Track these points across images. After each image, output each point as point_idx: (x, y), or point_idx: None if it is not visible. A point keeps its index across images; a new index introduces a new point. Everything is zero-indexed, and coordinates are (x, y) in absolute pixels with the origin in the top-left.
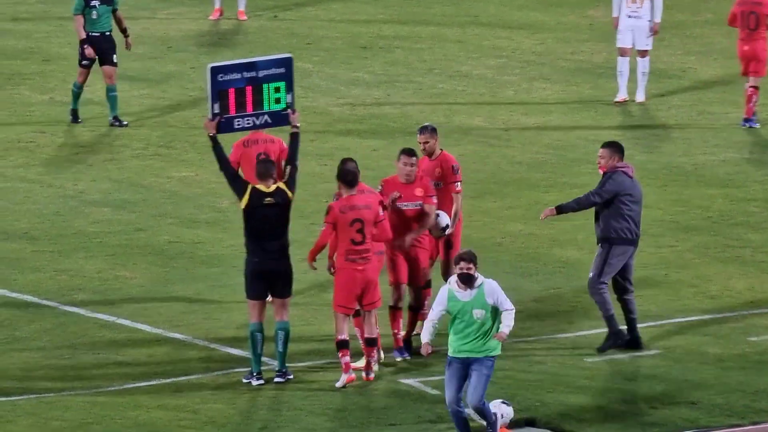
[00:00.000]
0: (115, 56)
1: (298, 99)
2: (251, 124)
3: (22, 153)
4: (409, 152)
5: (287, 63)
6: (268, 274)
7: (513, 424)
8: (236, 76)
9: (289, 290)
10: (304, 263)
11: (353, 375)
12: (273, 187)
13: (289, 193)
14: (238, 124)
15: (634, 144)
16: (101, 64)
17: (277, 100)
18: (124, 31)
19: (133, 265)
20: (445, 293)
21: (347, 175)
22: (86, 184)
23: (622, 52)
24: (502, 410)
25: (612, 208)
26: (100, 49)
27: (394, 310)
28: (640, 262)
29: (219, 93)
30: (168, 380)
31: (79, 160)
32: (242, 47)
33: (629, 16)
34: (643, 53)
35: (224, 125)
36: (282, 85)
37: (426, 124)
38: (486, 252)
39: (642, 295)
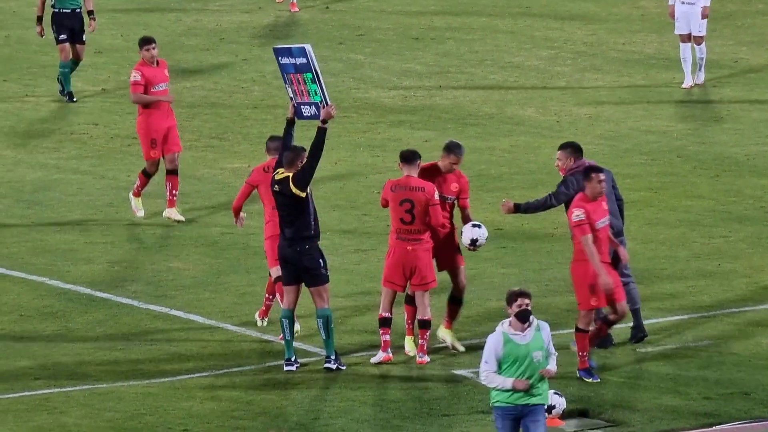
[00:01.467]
0: (84, 35)
1: (349, 90)
2: (309, 114)
3: (75, 145)
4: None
5: (303, 53)
6: (290, 262)
7: (565, 414)
8: (287, 60)
9: (316, 279)
10: (354, 254)
11: (391, 355)
12: (282, 176)
13: (293, 187)
14: (306, 113)
15: (686, 135)
16: (72, 41)
17: (315, 92)
18: (90, 12)
19: (186, 256)
20: (499, 339)
21: (405, 152)
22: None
23: (682, 39)
24: (554, 401)
25: None
26: (72, 26)
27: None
28: (692, 253)
29: (286, 77)
30: (221, 372)
31: (132, 152)
32: (294, 39)
33: (683, 3)
34: (698, 39)
35: (298, 111)
36: (309, 76)
37: (460, 143)
38: (539, 242)
39: (694, 285)
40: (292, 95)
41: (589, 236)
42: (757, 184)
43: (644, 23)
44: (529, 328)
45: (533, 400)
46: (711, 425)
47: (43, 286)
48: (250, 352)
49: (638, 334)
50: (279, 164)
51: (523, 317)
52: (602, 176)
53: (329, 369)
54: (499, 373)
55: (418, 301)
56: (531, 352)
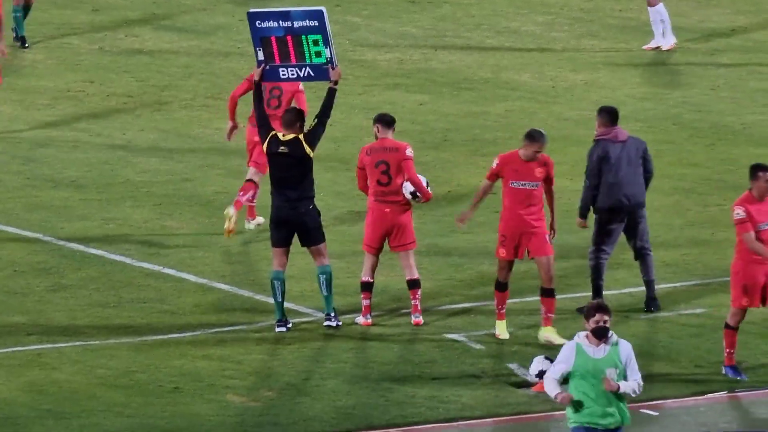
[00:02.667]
0: None
1: (345, 53)
2: (295, 75)
3: (71, 102)
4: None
5: (319, 16)
6: (290, 223)
7: None
8: (273, 24)
9: (317, 238)
10: (347, 215)
11: (370, 321)
12: (290, 137)
13: (307, 148)
14: (284, 74)
15: (682, 102)
16: None
17: (318, 54)
18: None
19: (180, 215)
20: (573, 349)
21: (387, 116)
22: (134, 134)
23: (649, 3)
24: (545, 366)
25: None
26: None
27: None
28: (686, 221)
29: (261, 40)
30: (212, 331)
31: (127, 110)
32: (289, 1)
33: None
34: (651, 1)
35: (270, 74)
36: (319, 38)
37: (542, 131)
38: None
39: (688, 253)
40: (263, 58)
41: (752, 233)
42: (753, 153)
43: None
44: (605, 344)
45: (605, 422)
46: (702, 393)
47: (37, 242)
48: (242, 312)
49: (652, 307)
50: (266, 127)
51: (599, 334)
52: None
53: (330, 326)
54: (567, 385)
55: (404, 263)
56: (603, 368)
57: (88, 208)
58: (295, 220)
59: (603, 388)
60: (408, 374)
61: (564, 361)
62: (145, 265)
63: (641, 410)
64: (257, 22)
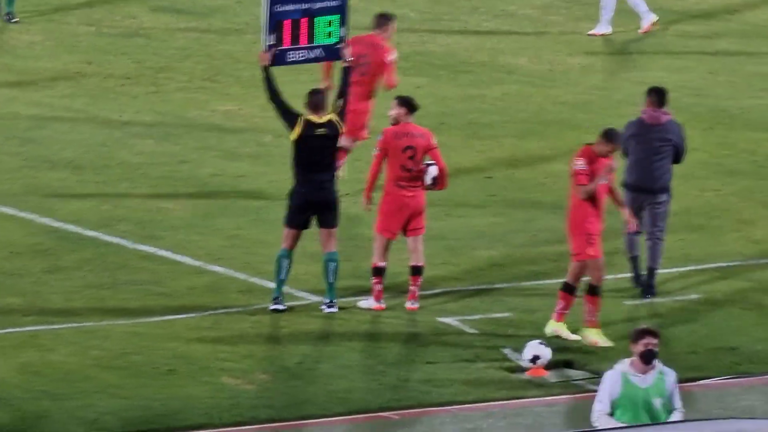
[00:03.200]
0: None
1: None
2: (304, 57)
3: (68, 83)
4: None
5: None
6: (316, 205)
7: (551, 365)
8: (292, 7)
9: (336, 220)
10: (342, 197)
11: (383, 305)
12: (325, 119)
13: (341, 126)
14: (291, 57)
15: (679, 86)
16: None
17: (330, 34)
18: None
19: (176, 197)
20: (617, 379)
21: (412, 101)
22: (131, 116)
23: None
24: (540, 351)
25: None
26: None
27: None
28: (682, 206)
29: (276, 24)
30: (207, 313)
31: (124, 92)
32: None
33: None
34: None
35: (278, 58)
36: (336, 18)
37: (619, 132)
38: (528, 192)
39: (684, 239)
40: (274, 42)
41: None
42: (751, 137)
43: None
44: (651, 371)
45: None
46: (696, 380)
47: (33, 223)
48: (237, 294)
49: (648, 294)
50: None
51: (648, 358)
52: None
53: (332, 313)
54: (613, 417)
55: (413, 246)
56: (651, 398)
57: (85, 190)
58: (325, 202)
59: (647, 419)
60: (402, 358)
61: (609, 393)
62: (141, 247)
63: None
64: (276, 6)
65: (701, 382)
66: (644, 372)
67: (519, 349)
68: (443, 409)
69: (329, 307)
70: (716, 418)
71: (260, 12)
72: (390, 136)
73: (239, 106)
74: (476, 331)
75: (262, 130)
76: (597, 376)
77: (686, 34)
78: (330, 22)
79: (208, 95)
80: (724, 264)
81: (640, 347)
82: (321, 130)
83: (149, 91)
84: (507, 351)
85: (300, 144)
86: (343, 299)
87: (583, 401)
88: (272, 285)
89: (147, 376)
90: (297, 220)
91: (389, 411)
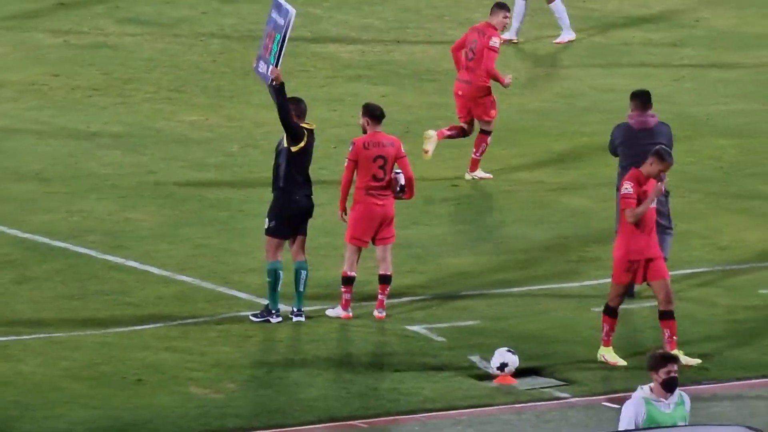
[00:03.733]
0: None
1: (307, 44)
2: (261, 72)
3: (36, 95)
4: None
5: (288, 15)
6: (304, 213)
7: (518, 373)
8: (275, 16)
9: (306, 227)
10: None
11: (350, 314)
12: (312, 126)
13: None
14: (261, 69)
15: None
16: None
17: (273, 53)
18: None
19: (144, 207)
20: (641, 405)
21: (378, 110)
22: (98, 127)
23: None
24: (507, 359)
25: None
26: None
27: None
28: None
29: (266, 29)
30: (175, 323)
31: (92, 103)
32: None
33: None
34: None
35: (257, 64)
36: (277, 37)
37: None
38: (495, 200)
39: None
40: (260, 49)
41: None
42: (716, 144)
43: None
44: (672, 397)
45: None
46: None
47: (1, 234)
48: (205, 304)
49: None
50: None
51: (671, 386)
52: None
53: (300, 322)
54: None
55: (383, 255)
56: (676, 422)
57: (53, 201)
58: (308, 210)
59: None
60: (370, 367)
61: (634, 421)
62: (109, 257)
63: (603, 403)
64: (272, 11)
65: (686, 387)
66: (666, 398)
67: (487, 357)
68: (412, 417)
69: (297, 316)
70: (686, 425)
71: (224, 22)
72: (360, 146)
73: (206, 116)
74: (444, 339)
75: (228, 139)
76: (566, 383)
77: (651, 42)
78: (278, 42)
79: (174, 106)
80: (692, 270)
81: (662, 375)
82: (312, 139)
83: (116, 102)
84: (475, 359)
85: (302, 153)
86: (311, 308)
87: (551, 409)
88: (241, 294)
89: (116, 386)
90: (287, 231)
91: (358, 419)
